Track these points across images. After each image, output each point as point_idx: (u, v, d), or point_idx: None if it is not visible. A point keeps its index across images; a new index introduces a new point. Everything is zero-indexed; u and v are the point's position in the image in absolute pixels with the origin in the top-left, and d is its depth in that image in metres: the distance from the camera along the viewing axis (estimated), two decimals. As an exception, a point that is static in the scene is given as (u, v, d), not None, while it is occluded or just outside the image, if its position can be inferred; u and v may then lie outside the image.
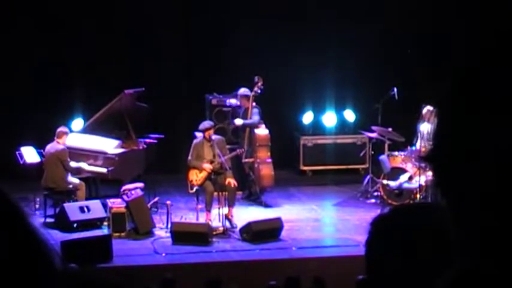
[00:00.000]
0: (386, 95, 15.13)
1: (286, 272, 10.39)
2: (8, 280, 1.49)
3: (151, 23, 16.14)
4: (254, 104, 14.58)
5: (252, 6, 16.45)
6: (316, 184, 16.07)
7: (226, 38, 16.31)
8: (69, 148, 13.45)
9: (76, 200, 13.23)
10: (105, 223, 12.96)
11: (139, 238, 12.63)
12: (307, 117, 17.04)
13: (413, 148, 14.27)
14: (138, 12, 16.07)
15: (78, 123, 14.92)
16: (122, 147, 13.94)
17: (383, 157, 14.48)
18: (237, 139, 15.00)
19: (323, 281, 9.91)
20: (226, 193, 13.28)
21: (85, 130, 14.21)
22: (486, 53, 1.41)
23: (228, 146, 13.96)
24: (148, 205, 13.31)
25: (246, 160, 14.63)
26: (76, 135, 14.08)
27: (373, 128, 14.77)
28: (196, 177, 13.30)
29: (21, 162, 13.66)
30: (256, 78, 14.52)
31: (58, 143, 13.26)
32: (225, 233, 12.85)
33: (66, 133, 13.37)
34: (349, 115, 17.08)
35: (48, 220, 13.21)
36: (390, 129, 14.67)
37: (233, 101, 15.03)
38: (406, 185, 14.03)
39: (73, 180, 13.42)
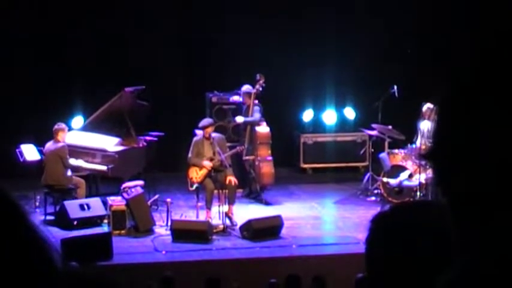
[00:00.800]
0: (386, 92, 15.13)
1: (286, 270, 10.39)
2: (8, 278, 1.49)
3: (152, 20, 16.13)
4: (256, 101, 14.58)
5: (253, 5, 16.45)
6: (316, 182, 16.07)
7: (226, 36, 16.30)
8: (69, 146, 13.45)
9: (76, 198, 13.23)
10: (105, 221, 12.96)
11: (140, 236, 12.64)
12: (308, 115, 17.04)
13: (414, 146, 14.27)
14: (138, 10, 16.06)
15: (78, 121, 14.93)
16: (122, 145, 13.93)
17: (383, 155, 14.48)
18: (237, 137, 15.00)
19: (323, 279, 9.91)
20: (227, 191, 13.28)
21: (85, 128, 14.21)
22: (486, 53, 1.41)
23: (228, 144, 13.97)
24: (149, 203, 13.31)
25: (247, 158, 14.63)
26: (76, 133, 14.08)
27: (373, 125, 14.77)
28: (196, 174, 13.30)
29: (21, 160, 13.66)
30: (258, 76, 14.51)
31: (57, 140, 13.25)
32: (225, 231, 12.85)
33: (63, 129, 13.33)
34: (349, 113, 17.08)
35: (48, 218, 13.21)
36: (390, 127, 14.68)
37: (236, 98, 15.02)
38: (406, 183, 14.04)
39: (73, 177, 13.42)
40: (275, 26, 16.39)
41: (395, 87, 15.00)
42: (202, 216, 13.24)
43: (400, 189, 14.10)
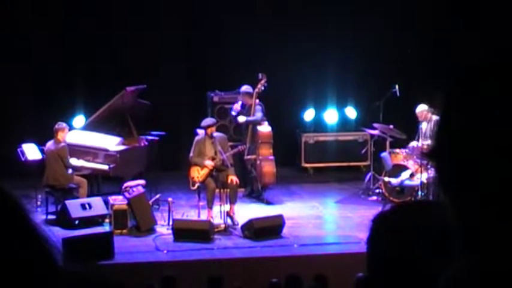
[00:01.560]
0: (387, 92, 15.13)
1: (287, 269, 10.39)
2: (10, 277, 1.49)
3: (153, 19, 16.14)
4: (257, 101, 14.57)
5: (254, 4, 16.46)
6: (317, 181, 16.07)
7: (228, 35, 16.31)
8: (70, 145, 13.46)
9: (78, 197, 13.24)
10: (107, 220, 12.96)
11: (141, 235, 12.64)
12: (309, 115, 17.04)
13: (415, 145, 14.26)
14: (139, 9, 16.07)
15: (79, 120, 14.93)
16: (124, 144, 13.94)
17: (384, 154, 14.48)
18: (238, 136, 15.00)
19: (325, 278, 9.91)
20: (228, 190, 13.28)
21: (86, 127, 14.21)
22: (489, 54, 1.41)
23: (229, 143, 13.97)
24: (150, 202, 13.31)
25: (248, 157, 14.63)
26: (77, 132, 14.08)
27: (375, 125, 14.77)
28: (198, 174, 13.31)
29: (23, 159, 13.66)
30: (260, 75, 14.51)
31: (57, 140, 13.25)
32: (227, 230, 12.85)
33: (63, 129, 13.32)
34: (351, 112, 17.08)
35: (50, 217, 13.22)
36: (392, 126, 14.67)
37: (237, 106, 14.83)
38: (407, 182, 14.03)
39: (75, 177, 13.43)
40: (276, 26, 16.40)
41: (396, 86, 15.01)
42: (203, 215, 13.24)
43: (402, 189, 14.10)
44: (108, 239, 11.87)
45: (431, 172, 13.48)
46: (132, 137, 14.10)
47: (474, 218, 1.39)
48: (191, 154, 13.44)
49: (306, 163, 16.79)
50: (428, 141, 13.92)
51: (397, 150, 14.57)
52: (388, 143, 14.97)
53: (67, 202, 12.92)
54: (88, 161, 13.67)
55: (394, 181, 14.13)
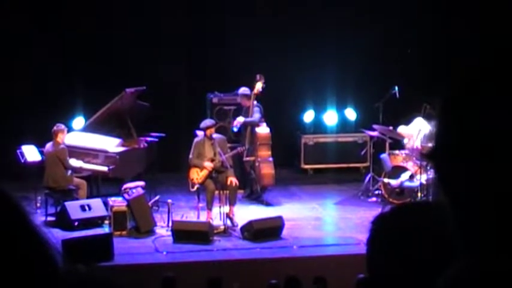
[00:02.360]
0: (387, 93, 15.14)
1: (287, 270, 10.39)
2: (10, 279, 1.49)
3: (152, 20, 16.14)
4: (255, 102, 14.57)
5: (253, 5, 16.46)
6: (317, 183, 16.07)
7: (227, 36, 16.31)
8: (70, 146, 13.45)
9: (77, 199, 13.23)
10: (106, 222, 12.96)
11: (140, 237, 12.64)
12: (308, 116, 17.04)
13: (415, 147, 14.27)
14: (139, 9, 16.06)
15: (79, 121, 14.93)
16: (123, 145, 13.94)
17: (384, 156, 14.48)
18: (238, 138, 14.99)
19: (324, 279, 9.91)
20: (227, 192, 13.28)
21: (86, 129, 14.21)
22: (489, 54, 1.41)
23: (228, 145, 13.97)
24: (149, 204, 13.31)
25: (247, 159, 14.62)
26: (77, 133, 14.08)
27: (374, 126, 14.77)
28: (197, 175, 13.30)
29: (22, 161, 13.65)
30: (257, 77, 14.51)
31: (57, 142, 13.24)
32: (226, 232, 12.85)
33: (62, 131, 13.30)
34: (350, 114, 17.08)
35: (49, 219, 13.21)
36: (391, 127, 14.68)
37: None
38: (407, 184, 14.03)
39: (74, 179, 13.42)
40: (276, 27, 16.40)
41: (396, 88, 15.02)
42: (203, 217, 13.24)
43: (401, 190, 14.10)
44: (108, 240, 11.87)
45: (431, 173, 13.48)
46: (131, 139, 14.10)
47: (474, 219, 1.39)
48: (190, 156, 13.44)
49: (306, 164, 16.79)
50: (425, 142, 13.95)
51: (397, 151, 14.58)
52: (387, 144, 14.97)
53: (66, 204, 12.92)
54: (87, 162, 13.67)
55: (393, 182, 14.13)
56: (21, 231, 1.53)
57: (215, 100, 15.50)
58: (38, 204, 13.71)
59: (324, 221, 13.92)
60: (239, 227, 12.88)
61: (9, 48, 15.50)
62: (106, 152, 13.70)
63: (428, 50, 16.36)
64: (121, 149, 13.84)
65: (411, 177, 14.01)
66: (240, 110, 14.98)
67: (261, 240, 12.43)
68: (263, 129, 14.62)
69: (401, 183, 14.06)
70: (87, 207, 12.94)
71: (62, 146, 13.24)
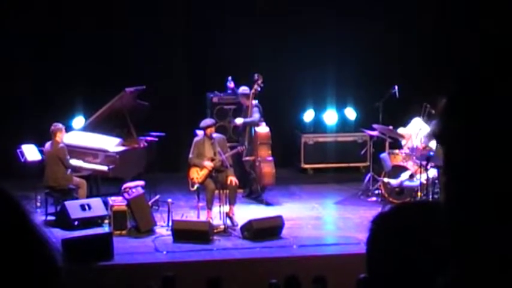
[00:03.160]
0: (387, 93, 15.14)
1: (287, 270, 10.39)
2: (10, 278, 1.49)
3: (152, 19, 16.13)
4: (254, 102, 14.57)
5: (254, 4, 16.46)
6: (317, 182, 16.06)
7: (227, 36, 16.30)
8: (70, 146, 13.45)
9: (77, 198, 13.23)
10: (106, 221, 12.96)
11: (140, 236, 12.64)
12: (308, 115, 17.03)
13: (415, 146, 14.27)
14: (139, 9, 16.06)
15: (79, 121, 14.93)
16: (123, 145, 13.93)
17: (384, 155, 14.48)
18: (237, 137, 14.99)
19: (324, 279, 9.91)
20: (227, 191, 13.28)
21: (86, 128, 14.21)
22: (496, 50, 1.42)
23: (228, 144, 13.97)
24: (149, 203, 13.31)
25: (247, 158, 14.62)
26: (77, 133, 14.08)
27: (374, 126, 14.77)
28: (197, 175, 13.30)
29: (22, 160, 13.66)
30: (256, 76, 14.51)
31: (55, 141, 13.23)
32: (226, 231, 12.85)
33: (60, 130, 13.29)
34: (350, 113, 17.07)
35: (49, 218, 13.21)
36: (391, 127, 14.68)
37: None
38: (407, 183, 14.03)
39: (74, 178, 13.42)
40: (276, 26, 16.40)
41: (396, 87, 15.02)
42: (203, 216, 13.24)
43: (401, 190, 14.09)
44: (108, 240, 11.87)
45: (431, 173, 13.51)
46: (131, 138, 14.09)
47: (476, 208, 1.39)
48: (190, 155, 13.44)
49: (306, 164, 16.78)
50: (426, 142, 13.96)
51: (397, 151, 14.58)
52: (387, 143, 14.97)
53: (66, 203, 12.92)
54: (87, 162, 13.67)
55: (393, 182, 14.13)
56: (22, 231, 1.53)
57: (215, 99, 15.50)
58: (38, 204, 13.71)
59: (324, 221, 13.92)
60: (239, 226, 12.89)
61: (9, 48, 15.49)
62: (106, 151, 13.70)
63: (428, 50, 16.36)
64: (121, 148, 13.84)
65: (411, 176, 14.01)
66: (240, 109, 14.98)
67: (260, 239, 12.43)
68: (263, 129, 14.62)
69: (401, 182, 14.06)
70: (87, 207, 12.94)
71: (61, 145, 13.24)
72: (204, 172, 13.28)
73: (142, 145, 14.15)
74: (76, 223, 12.76)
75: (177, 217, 13.06)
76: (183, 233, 12.40)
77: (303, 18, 16.56)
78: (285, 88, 16.42)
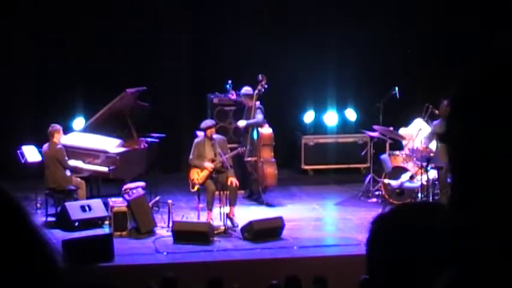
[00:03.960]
0: (387, 94, 15.14)
1: (287, 271, 10.38)
2: (10, 279, 1.49)
3: (153, 20, 16.13)
4: (257, 103, 14.56)
5: (253, 5, 16.46)
6: (317, 183, 16.06)
7: (227, 36, 16.30)
8: (70, 147, 13.45)
9: (77, 199, 13.23)
10: (106, 222, 12.96)
11: (141, 237, 12.64)
12: (309, 117, 17.03)
13: (415, 147, 14.26)
14: (139, 10, 16.06)
15: (79, 122, 14.93)
16: (123, 146, 13.93)
17: (384, 156, 14.48)
18: (238, 138, 14.98)
19: (324, 280, 9.91)
20: (228, 192, 13.28)
21: (86, 129, 14.21)
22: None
23: (229, 145, 13.97)
24: (150, 204, 13.31)
25: (249, 159, 14.61)
26: (77, 134, 14.08)
27: (375, 127, 14.77)
28: (197, 176, 13.30)
29: (23, 161, 13.66)
30: (260, 77, 14.51)
31: (53, 142, 13.23)
32: (226, 232, 12.85)
33: (57, 131, 13.29)
34: (351, 114, 17.07)
35: (50, 219, 13.21)
36: (391, 128, 14.68)
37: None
38: (407, 184, 14.03)
39: (74, 179, 13.42)
40: (276, 27, 16.40)
41: (396, 88, 15.02)
42: (203, 217, 13.24)
43: (401, 191, 14.09)
44: (108, 241, 11.87)
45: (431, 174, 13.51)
46: (132, 139, 14.09)
47: (476, 207, 1.39)
48: (191, 156, 13.44)
49: (306, 165, 16.78)
50: (427, 142, 13.95)
51: (397, 152, 14.57)
52: (388, 145, 14.97)
53: (67, 204, 12.92)
54: (88, 163, 13.67)
55: (393, 183, 14.12)
56: (22, 232, 1.53)
57: (216, 100, 15.50)
58: (38, 205, 13.70)
59: (324, 222, 13.92)
60: (239, 227, 12.88)
61: (9, 48, 15.49)
62: (106, 152, 13.70)
63: (428, 50, 16.36)
64: (121, 149, 13.84)
65: (411, 177, 14.00)
66: (240, 110, 14.98)
67: (261, 240, 12.43)
68: (266, 130, 14.63)
69: (402, 183, 14.06)
70: (87, 208, 12.94)
71: (58, 146, 13.22)
72: (205, 173, 13.28)
73: (142, 146, 14.15)
74: (76, 224, 12.76)
75: (177, 218, 13.06)
76: (183, 234, 12.40)
77: (303, 19, 16.56)
78: (286, 89, 16.42)
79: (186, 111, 16.29)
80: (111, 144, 13.85)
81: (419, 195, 13.77)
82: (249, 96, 14.53)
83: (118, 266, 11.50)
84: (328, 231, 13.50)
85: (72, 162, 13.41)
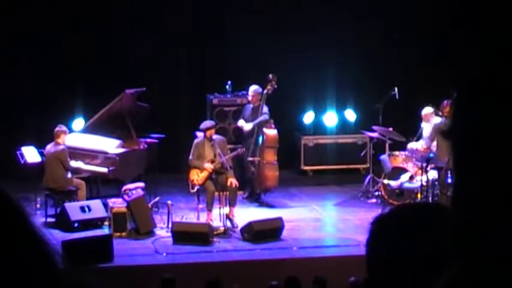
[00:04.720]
0: (387, 94, 15.14)
1: (287, 272, 10.39)
2: (10, 280, 1.49)
3: (152, 20, 16.13)
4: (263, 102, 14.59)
5: (253, 5, 16.46)
6: (317, 184, 16.06)
7: (227, 37, 16.30)
8: (70, 148, 13.45)
9: (77, 200, 13.23)
10: (106, 223, 12.96)
11: (140, 238, 12.63)
12: (308, 117, 17.03)
13: (414, 147, 14.26)
14: (139, 10, 16.06)
15: (79, 123, 14.92)
16: (123, 147, 13.93)
17: (384, 157, 14.47)
18: (238, 139, 14.97)
19: (324, 281, 9.91)
20: (227, 193, 13.27)
21: (86, 130, 14.21)
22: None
23: (229, 146, 13.97)
24: (149, 205, 13.31)
25: (251, 159, 14.57)
26: (77, 135, 14.08)
27: (374, 127, 14.77)
28: (197, 177, 13.30)
29: (22, 162, 13.66)
30: (270, 76, 14.51)
31: (57, 143, 13.25)
32: (226, 233, 12.84)
33: (64, 132, 13.33)
34: (350, 115, 17.07)
35: (49, 220, 13.20)
36: (391, 128, 14.67)
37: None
38: (407, 185, 14.03)
39: (74, 180, 13.42)
40: (276, 28, 16.40)
41: (395, 89, 15.02)
42: (203, 218, 13.24)
43: (401, 191, 14.09)
44: (108, 241, 11.87)
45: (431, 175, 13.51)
46: (131, 140, 14.09)
47: (477, 207, 1.39)
48: (190, 157, 13.44)
49: (306, 166, 16.78)
50: (428, 143, 13.95)
51: (397, 152, 14.56)
52: (387, 145, 14.97)
53: (66, 205, 12.92)
54: (87, 163, 13.67)
55: (393, 183, 14.12)
56: (21, 232, 1.53)
57: (215, 101, 15.50)
58: (38, 206, 13.70)
59: (324, 222, 13.91)
60: (239, 228, 12.88)
61: (9, 48, 15.49)
62: (106, 153, 13.70)
63: (428, 50, 16.36)
64: (121, 150, 13.84)
65: (411, 178, 14.00)
66: (239, 111, 14.97)
67: (260, 241, 12.42)
68: (272, 131, 14.63)
69: (401, 184, 14.05)
70: (87, 209, 12.94)
71: (62, 147, 13.24)
72: (204, 174, 13.28)
73: (142, 147, 14.15)
74: (76, 225, 12.76)
75: (177, 219, 13.06)
76: (183, 234, 12.40)
77: (303, 19, 16.56)
78: (285, 89, 16.39)
79: (185, 111, 16.29)
80: (111, 145, 13.85)
81: (419, 195, 13.77)
82: (260, 94, 14.52)
83: (117, 266, 11.50)
84: (328, 232, 13.50)
85: (73, 164, 13.41)
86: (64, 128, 13.43)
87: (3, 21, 15.44)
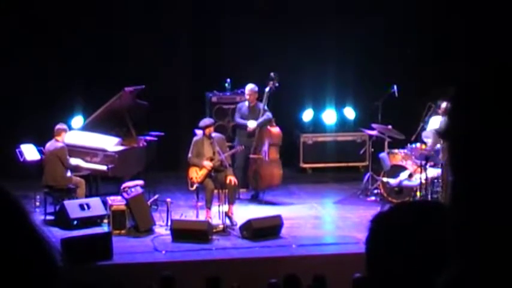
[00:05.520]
0: (386, 92, 15.14)
1: (286, 269, 10.39)
2: (9, 277, 1.49)
3: (152, 19, 16.13)
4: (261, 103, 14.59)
5: (253, 5, 16.46)
6: (316, 182, 16.07)
7: (226, 35, 16.30)
8: (69, 146, 13.45)
9: (76, 198, 13.23)
10: (105, 221, 12.96)
11: (139, 236, 12.63)
12: (307, 115, 17.03)
13: (414, 146, 14.27)
14: (139, 9, 16.06)
15: (78, 120, 14.92)
16: (122, 144, 13.94)
17: (383, 155, 14.48)
18: (237, 137, 14.96)
19: (323, 278, 9.92)
20: (227, 191, 13.28)
21: (85, 127, 14.21)
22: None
23: (228, 144, 13.97)
24: (149, 203, 13.31)
25: (253, 156, 14.56)
26: (76, 132, 14.08)
27: (373, 125, 14.78)
28: (196, 174, 13.31)
29: (21, 159, 13.66)
30: (272, 75, 14.51)
31: (57, 140, 13.25)
32: (225, 231, 12.85)
33: (64, 130, 13.34)
34: (349, 113, 17.08)
35: (48, 218, 13.21)
36: (390, 126, 14.68)
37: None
38: (406, 183, 14.03)
39: (73, 177, 13.42)
40: (275, 26, 16.39)
41: (395, 86, 15.02)
42: (202, 216, 13.24)
43: (400, 189, 14.09)
44: (107, 239, 11.87)
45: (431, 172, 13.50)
46: (130, 138, 14.10)
47: (476, 206, 1.40)
48: (189, 155, 13.44)
49: (305, 163, 16.79)
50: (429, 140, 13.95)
51: (396, 150, 14.57)
52: (386, 143, 14.97)
53: (65, 202, 12.92)
54: (87, 161, 13.67)
55: (392, 181, 14.12)
56: (21, 230, 1.53)
57: (214, 99, 15.50)
58: (37, 203, 13.70)
59: (323, 220, 13.92)
60: (238, 226, 12.88)
61: (9, 48, 15.48)
62: (105, 151, 13.70)
63: (428, 50, 16.36)
64: (120, 148, 13.84)
65: (410, 176, 14.00)
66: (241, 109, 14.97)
67: (260, 239, 12.43)
68: (275, 129, 14.64)
69: (400, 182, 14.06)
70: (86, 206, 12.94)
71: (62, 145, 13.24)
72: (203, 172, 13.28)
73: (141, 144, 14.16)
74: (75, 222, 12.76)
75: (176, 217, 13.06)
76: (182, 232, 12.40)
77: (302, 18, 16.56)
78: (284, 87, 16.40)
79: (184, 109, 16.29)
80: (110, 143, 13.85)
81: (418, 193, 13.77)
82: (256, 93, 14.52)
83: (117, 264, 11.50)
84: (327, 230, 13.50)
85: (73, 161, 13.41)
86: (65, 126, 13.43)
87: (3, 21, 15.43)
